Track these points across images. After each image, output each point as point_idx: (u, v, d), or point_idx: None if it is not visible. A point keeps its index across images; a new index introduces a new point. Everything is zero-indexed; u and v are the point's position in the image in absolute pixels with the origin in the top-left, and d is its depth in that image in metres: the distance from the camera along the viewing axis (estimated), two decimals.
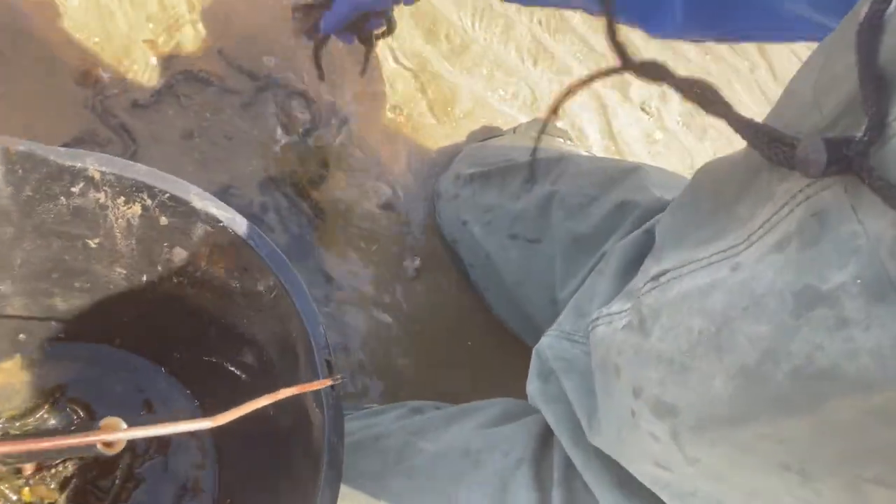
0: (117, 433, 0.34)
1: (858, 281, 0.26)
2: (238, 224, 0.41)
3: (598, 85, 0.98)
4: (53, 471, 0.51)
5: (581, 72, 0.97)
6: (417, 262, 0.76)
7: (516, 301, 0.69)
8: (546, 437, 0.52)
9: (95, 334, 0.55)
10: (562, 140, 0.81)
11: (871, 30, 0.27)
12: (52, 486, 0.50)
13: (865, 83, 0.26)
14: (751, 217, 0.34)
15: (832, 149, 0.26)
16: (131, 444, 0.52)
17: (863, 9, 0.28)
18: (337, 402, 0.39)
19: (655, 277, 0.41)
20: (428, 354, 0.74)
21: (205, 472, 0.55)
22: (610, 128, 0.97)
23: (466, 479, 0.49)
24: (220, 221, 0.41)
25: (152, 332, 0.55)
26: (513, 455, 0.50)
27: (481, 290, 0.74)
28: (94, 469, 0.52)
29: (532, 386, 0.52)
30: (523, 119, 0.89)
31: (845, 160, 0.26)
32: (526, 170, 0.70)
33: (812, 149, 0.27)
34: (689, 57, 1.09)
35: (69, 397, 0.54)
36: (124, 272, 0.48)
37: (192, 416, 0.57)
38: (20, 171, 0.38)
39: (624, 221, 0.61)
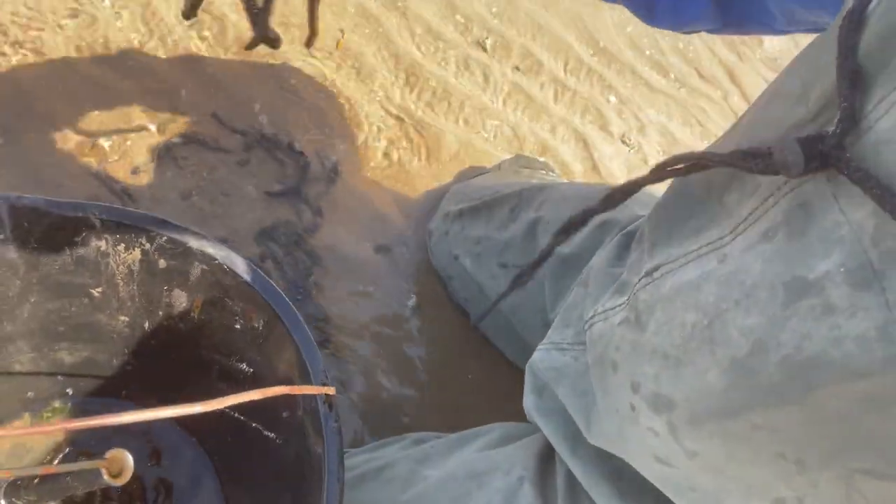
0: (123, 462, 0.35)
1: (842, 269, 0.27)
2: (233, 261, 0.44)
3: (577, 121, 1.02)
4: None
5: (558, 110, 1.01)
6: (414, 300, 0.77)
7: (513, 329, 0.71)
8: (547, 455, 0.52)
9: (102, 387, 0.57)
10: (544, 172, 0.84)
11: (853, 24, 0.28)
12: None
13: (842, 77, 0.27)
14: (738, 207, 0.35)
15: (807, 147, 0.27)
16: (140, 495, 0.53)
17: (848, 3, 0.29)
18: (337, 426, 0.40)
19: (649, 273, 0.42)
20: (429, 391, 0.74)
21: None
22: (593, 160, 1.00)
23: (471, 499, 0.49)
24: (216, 259, 0.43)
25: (157, 381, 0.56)
26: (514, 473, 0.50)
27: (478, 323, 0.75)
28: None
29: (528, 401, 0.53)
30: (507, 157, 0.92)
31: (823, 156, 0.27)
32: (512, 200, 0.72)
33: (788, 152, 0.28)
34: (665, 91, 1.14)
35: (80, 450, 0.54)
36: (127, 320, 0.50)
37: (201, 465, 0.58)
38: (26, 223, 0.41)
39: (604, 239, 0.63)
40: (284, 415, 0.44)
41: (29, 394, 0.55)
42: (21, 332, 0.48)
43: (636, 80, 1.12)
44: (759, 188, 0.33)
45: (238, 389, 0.51)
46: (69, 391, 0.56)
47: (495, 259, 0.70)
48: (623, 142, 1.05)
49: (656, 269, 0.41)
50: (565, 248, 0.65)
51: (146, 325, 0.50)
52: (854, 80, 0.27)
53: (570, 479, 0.49)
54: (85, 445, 0.55)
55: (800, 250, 0.29)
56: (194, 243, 0.43)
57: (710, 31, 0.54)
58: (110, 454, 0.36)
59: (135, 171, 0.72)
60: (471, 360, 0.77)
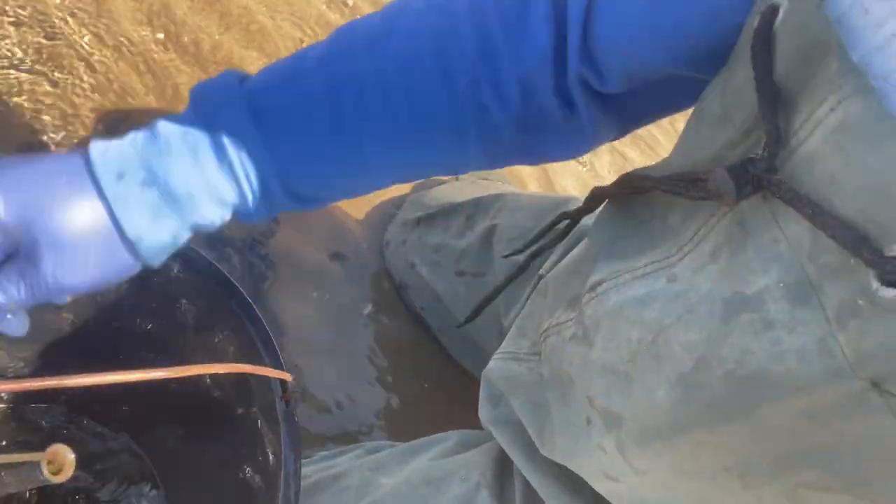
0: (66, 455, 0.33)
1: (781, 284, 0.27)
2: (186, 253, 0.42)
3: None
4: None
5: None
6: (369, 308, 0.77)
7: (469, 337, 0.71)
8: (504, 461, 0.52)
9: (39, 394, 0.54)
10: (501, 183, 0.85)
11: (763, 43, 0.28)
12: None
13: (763, 98, 0.27)
14: (682, 227, 0.35)
15: (737, 175, 0.27)
16: None
17: (754, 22, 0.29)
18: (290, 417, 0.39)
19: (593, 287, 0.42)
20: (380, 398, 0.73)
21: None
22: (548, 177, 1.02)
23: None
24: None
25: (107, 401, 0.53)
26: (472, 479, 0.50)
27: (434, 331, 0.75)
28: None
29: (483, 411, 0.53)
30: None
31: (755, 179, 0.27)
32: (468, 208, 0.73)
33: (720, 181, 0.28)
34: None
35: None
36: (71, 317, 0.48)
37: (147, 480, 0.55)
38: None
39: (557, 246, 0.63)
40: (239, 411, 0.42)
41: None
42: None
43: None
44: (701, 207, 0.33)
45: (198, 395, 0.49)
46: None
47: (452, 267, 0.70)
48: (577, 161, 1.08)
49: (599, 283, 0.41)
50: (519, 257, 0.65)
51: (91, 322, 0.48)
52: (775, 102, 0.27)
53: (528, 486, 0.49)
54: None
55: (739, 266, 0.30)
56: None
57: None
58: (51, 449, 0.34)
59: None
60: (426, 367, 0.76)
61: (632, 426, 0.37)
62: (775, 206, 0.28)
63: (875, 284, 0.23)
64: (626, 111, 0.42)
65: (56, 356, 0.51)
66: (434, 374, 0.76)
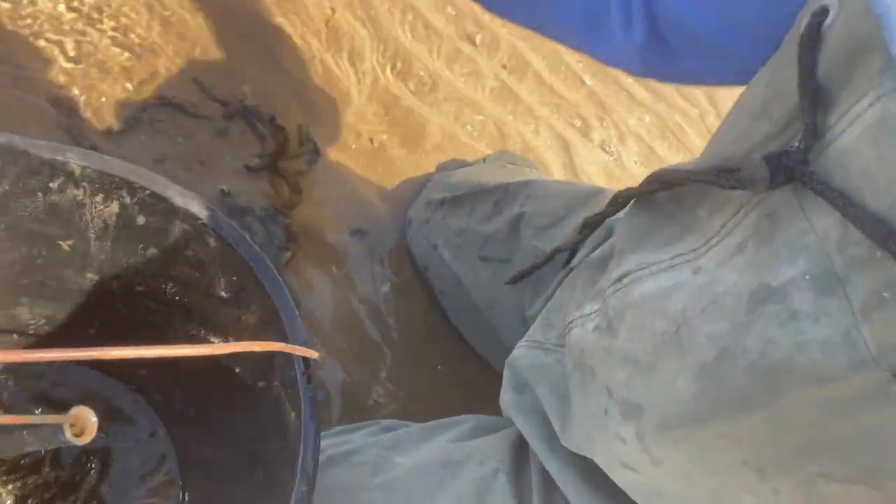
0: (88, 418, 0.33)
1: (807, 276, 0.27)
2: (216, 220, 0.42)
3: (560, 126, 1.03)
4: (6, 488, 0.48)
5: (543, 113, 1.02)
6: (388, 287, 0.76)
7: (487, 324, 0.70)
8: (522, 447, 0.52)
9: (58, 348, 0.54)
10: (529, 169, 0.84)
11: (810, 42, 0.28)
12: None
13: (804, 94, 0.28)
14: (710, 220, 0.35)
15: (772, 164, 0.28)
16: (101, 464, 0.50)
17: (803, 22, 0.30)
18: (312, 393, 0.39)
19: (619, 279, 0.42)
20: (396, 379, 0.73)
21: (170, 495, 0.53)
22: (573, 164, 1.01)
23: (444, 488, 0.48)
24: (200, 219, 0.41)
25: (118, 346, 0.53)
26: (489, 464, 0.49)
27: (452, 315, 0.74)
28: (54, 488, 0.50)
29: (506, 396, 0.52)
30: (489, 152, 0.91)
31: (788, 170, 0.28)
32: (497, 193, 0.72)
33: (754, 169, 0.29)
34: (646, 104, 1.15)
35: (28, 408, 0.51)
36: (96, 278, 0.47)
37: (155, 438, 0.55)
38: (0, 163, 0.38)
39: (587, 238, 0.63)
40: (260, 385, 0.42)
41: None
42: None
43: (619, 91, 1.13)
44: (730, 201, 0.33)
45: (212, 361, 0.49)
46: (21, 349, 0.53)
47: (476, 251, 0.70)
48: (603, 149, 1.06)
49: (625, 275, 0.41)
50: (547, 246, 0.65)
51: (114, 284, 0.48)
52: (815, 98, 0.28)
53: (545, 474, 0.48)
54: (34, 410, 0.52)
55: (765, 258, 0.30)
56: (178, 200, 0.41)
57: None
58: (74, 411, 0.33)
59: (107, 130, 0.69)
60: (440, 351, 0.76)
61: (652, 416, 0.37)
62: (805, 198, 0.28)
63: None
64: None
65: (76, 316, 0.51)
66: (448, 359, 0.76)
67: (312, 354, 0.35)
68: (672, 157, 1.13)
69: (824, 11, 0.28)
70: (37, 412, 0.51)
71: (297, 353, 0.35)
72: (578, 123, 1.05)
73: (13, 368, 0.52)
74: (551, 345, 0.52)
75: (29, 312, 0.50)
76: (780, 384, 0.29)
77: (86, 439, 0.33)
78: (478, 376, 0.75)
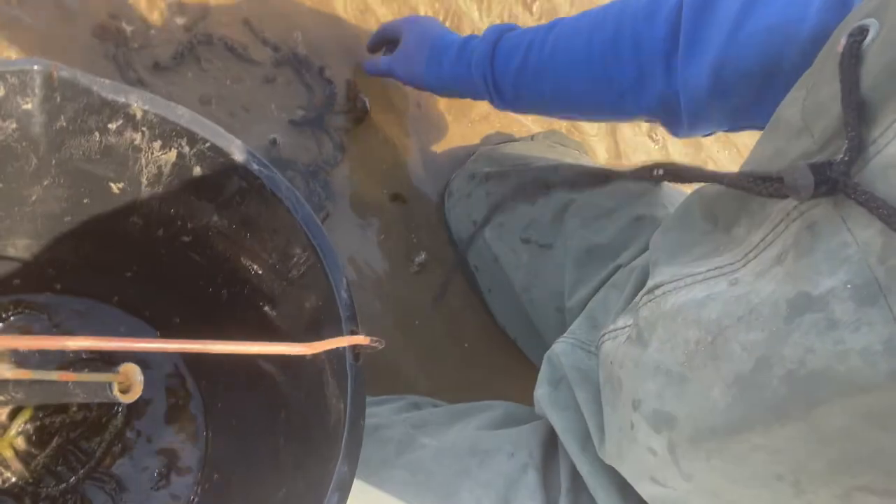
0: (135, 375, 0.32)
1: (848, 286, 0.28)
2: (276, 182, 0.40)
3: None
4: (34, 424, 0.48)
5: None
6: (423, 256, 0.75)
7: (520, 307, 0.69)
8: (553, 443, 0.51)
9: (93, 288, 0.53)
10: (577, 153, 0.81)
11: (852, 60, 0.29)
12: (33, 441, 0.48)
13: (848, 109, 0.29)
14: (748, 236, 0.36)
15: (818, 173, 0.29)
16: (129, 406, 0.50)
17: (840, 41, 0.30)
18: (359, 373, 0.38)
19: (650, 290, 0.42)
20: (422, 350, 0.72)
21: (194, 446, 0.53)
22: (618, 149, 0.98)
23: (470, 477, 0.47)
24: (259, 179, 0.40)
25: (155, 293, 0.52)
26: (518, 458, 0.49)
27: (485, 293, 0.73)
28: (80, 428, 0.49)
29: (541, 391, 0.51)
30: (536, 129, 0.89)
31: (831, 181, 0.29)
32: (545, 174, 0.70)
33: (799, 176, 0.29)
34: None
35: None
36: (141, 223, 0.46)
37: (184, 386, 0.55)
38: (59, 98, 0.36)
39: (639, 236, 0.61)
40: (308, 357, 0.41)
41: (15, 281, 0.51)
42: (24, 213, 0.44)
43: None
44: (770, 216, 0.34)
45: (247, 313, 0.48)
46: (58, 286, 0.52)
47: (518, 232, 0.68)
48: (650, 137, 1.03)
49: (658, 286, 0.41)
50: (594, 237, 0.63)
51: (160, 232, 0.46)
52: (860, 112, 0.28)
53: (575, 474, 0.48)
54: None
55: (805, 268, 0.30)
56: (239, 157, 0.39)
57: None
58: (123, 368, 0.32)
59: (155, 65, 0.67)
60: (470, 328, 0.75)
61: (684, 427, 0.37)
62: (846, 210, 0.29)
63: None
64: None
65: (116, 257, 0.50)
66: (477, 337, 0.75)
67: (374, 345, 0.34)
68: (718, 153, 1.10)
69: (863, 31, 0.30)
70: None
71: (361, 343, 0.33)
72: None
73: (52, 306, 0.52)
74: (595, 349, 0.50)
75: (70, 250, 0.48)
76: (818, 393, 0.29)
77: (132, 397, 0.32)
78: (505, 357, 0.74)
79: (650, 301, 0.42)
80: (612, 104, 0.55)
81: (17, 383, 0.35)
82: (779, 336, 0.30)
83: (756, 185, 0.32)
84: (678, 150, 1.05)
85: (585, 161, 0.78)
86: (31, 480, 0.46)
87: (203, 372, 0.53)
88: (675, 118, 0.53)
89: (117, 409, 0.51)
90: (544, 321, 0.66)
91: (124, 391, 0.32)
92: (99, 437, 0.50)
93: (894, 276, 0.26)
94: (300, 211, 0.40)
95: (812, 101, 0.33)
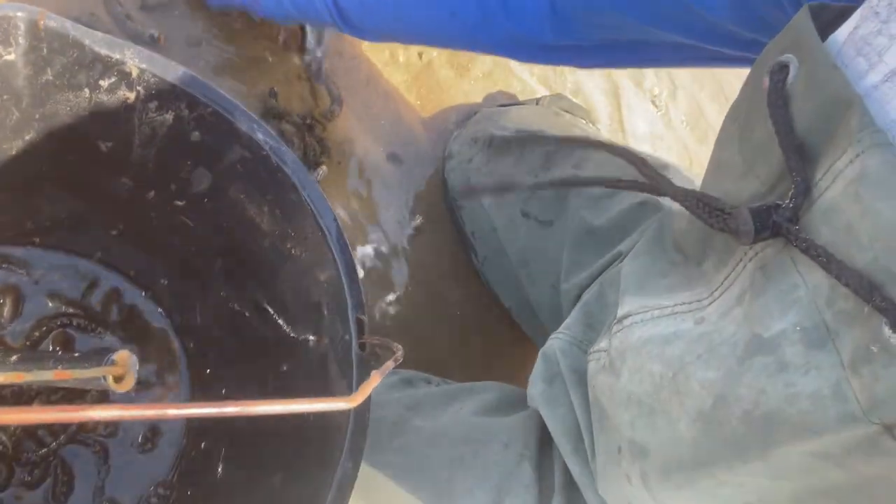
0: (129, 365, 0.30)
1: (798, 328, 0.28)
2: (283, 155, 0.37)
3: (615, 70, 0.96)
4: (12, 388, 0.46)
5: None
6: (419, 220, 0.72)
7: (515, 279, 0.67)
8: (547, 437, 0.50)
9: (75, 245, 0.50)
10: (584, 122, 0.79)
11: (779, 101, 0.29)
12: (11, 405, 0.46)
13: (788, 153, 0.28)
14: (716, 273, 0.36)
15: (759, 218, 0.29)
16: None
17: (764, 80, 0.30)
18: (365, 364, 0.36)
19: (620, 320, 0.43)
20: (413, 315, 0.71)
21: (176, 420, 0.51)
22: (620, 114, 0.96)
23: (464, 466, 0.47)
24: (263, 149, 0.37)
25: (141, 254, 0.50)
26: (513, 449, 0.48)
27: (480, 260, 0.71)
28: (59, 392, 0.47)
29: (535, 388, 0.50)
30: (541, 90, 0.85)
31: (774, 226, 0.28)
32: (549, 144, 0.67)
33: (741, 221, 0.29)
34: None
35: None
36: (130, 184, 0.43)
37: (167, 348, 0.53)
38: (45, 50, 0.33)
39: (641, 221, 0.59)
40: (305, 337, 0.39)
41: None
42: (2, 167, 0.40)
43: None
44: (733, 255, 0.34)
45: (240, 283, 0.46)
46: (36, 240, 0.49)
47: (519, 205, 0.66)
48: (653, 102, 1.00)
49: (627, 316, 0.42)
50: (595, 220, 0.61)
51: (151, 194, 0.43)
52: (801, 155, 0.28)
53: (567, 470, 0.47)
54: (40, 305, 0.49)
55: (759, 310, 0.30)
56: (244, 124, 0.36)
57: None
58: (118, 356, 0.30)
59: (142, 2, 0.62)
60: (462, 295, 0.73)
61: (655, 458, 0.38)
62: (795, 253, 0.29)
63: (887, 332, 0.24)
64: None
65: (102, 216, 0.47)
66: (469, 305, 0.73)
67: (397, 360, 0.32)
68: (720, 116, 1.08)
69: (783, 68, 0.29)
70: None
71: (383, 343, 0.31)
72: (634, 71, 0.98)
73: (31, 261, 0.49)
74: (593, 352, 0.49)
75: (50, 205, 0.45)
76: (773, 434, 0.29)
77: (126, 387, 0.30)
78: (498, 326, 0.74)
79: (619, 331, 0.42)
80: (465, 40, 0.55)
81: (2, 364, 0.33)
82: (732, 376, 0.31)
83: (710, 214, 0.32)
84: (679, 118, 1.03)
85: (592, 132, 0.75)
86: (9, 445, 0.45)
87: (192, 335, 0.51)
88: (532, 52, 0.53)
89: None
90: (539, 297, 0.65)
91: (118, 380, 0.30)
92: (81, 399, 0.48)
93: (841, 321, 0.26)
94: (307, 186, 0.37)
95: (749, 142, 0.32)
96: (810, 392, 0.27)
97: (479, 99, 0.80)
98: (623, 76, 0.97)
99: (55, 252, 0.50)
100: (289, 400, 0.19)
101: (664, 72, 1.03)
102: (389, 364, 0.28)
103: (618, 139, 0.94)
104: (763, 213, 0.29)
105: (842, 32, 0.28)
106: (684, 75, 1.05)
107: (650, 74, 1.00)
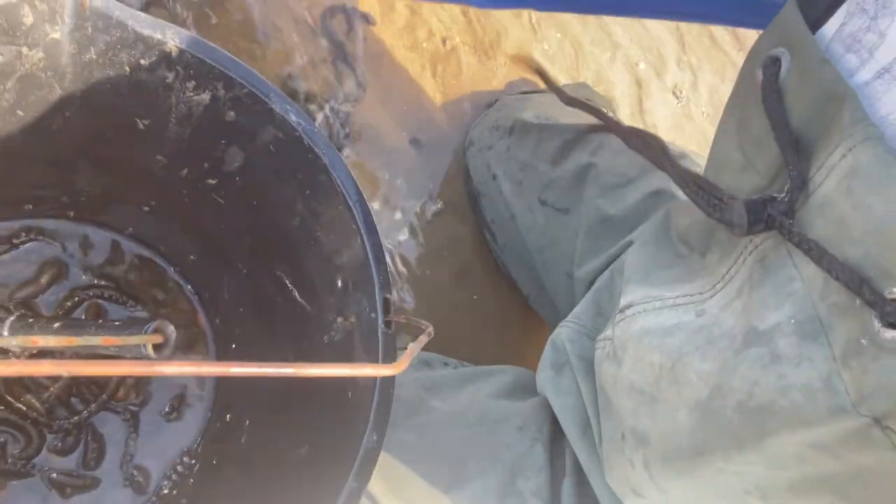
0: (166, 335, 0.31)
1: (793, 321, 0.28)
2: (315, 137, 0.38)
3: (637, 57, 0.96)
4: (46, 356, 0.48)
5: (623, 39, 0.95)
6: (439, 205, 0.73)
7: (532, 266, 0.68)
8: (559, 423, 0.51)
9: (108, 220, 0.51)
10: (605, 110, 0.79)
11: (773, 95, 0.29)
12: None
13: (784, 147, 0.28)
14: (718, 266, 0.36)
15: (753, 210, 0.29)
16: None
17: (757, 74, 0.30)
18: (391, 341, 0.37)
19: (622, 310, 0.43)
20: (431, 299, 0.72)
21: (204, 382, 0.53)
22: (641, 104, 0.96)
23: (479, 446, 0.48)
24: (296, 131, 0.38)
25: (172, 230, 0.51)
26: (527, 432, 0.49)
27: (499, 247, 0.72)
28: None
29: (543, 375, 0.51)
30: (563, 80, 0.86)
31: (769, 219, 0.28)
32: (567, 133, 0.67)
33: (735, 212, 0.29)
34: (726, 51, 1.08)
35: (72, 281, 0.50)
36: (164, 161, 0.44)
37: (195, 323, 0.54)
38: (90, 29, 0.34)
39: (655, 211, 0.60)
40: (332, 318, 0.40)
41: (27, 206, 0.49)
42: (42, 140, 0.42)
43: (702, 31, 1.05)
44: (735, 248, 0.34)
45: (267, 259, 0.47)
46: (71, 213, 0.51)
47: (537, 192, 0.66)
48: (674, 94, 1.00)
49: (629, 306, 0.42)
50: (610, 209, 0.61)
51: (184, 171, 0.45)
52: (797, 148, 0.28)
53: (577, 458, 0.48)
54: (75, 278, 0.50)
55: (756, 302, 0.30)
56: (278, 106, 0.37)
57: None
58: (158, 325, 0.32)
59: None
60: (480, 280, 0.74)
61: (656, 446, 0.38)
62: (792, 245, 0.29)
63: (877, 325, 0.24)
64: None
65: (135, 192, 0.48)
66: (487, 290, 0.74)
67: (428, 336, 0.33)
68: None
69: (776, 62, 0.29)
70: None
71: (420, 342, 0.32)
72: (656, 60, 0.98)
73: (64, 234, 0.50)
74: (601, 340, 0.50)
75: (85, 180, 0.47)
76: (766, 425, 0.29)
77: (165, 353, 0.32)
78: (515, 312, 0.75)
79: (622, 321, 0.43)
80: None
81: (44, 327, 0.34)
82: (728, 368, 0.31)
83: (708, 202, 0.32)
84: (699, 110, 1.03)
85: (611, 120, 0.75)
86: (42, 413, 0.46)
87: (218, 311, 0.53)
88: None
89: None
90: (555, 284, 0.65)
91: (157, 348, 0.32)
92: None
93: (834, 314, 0.26)
94: (338, 168, 0.38)
95: (747, 136, 0.32)
96: (802, 384, 0.27)
97: (501, 86, 0.81)
98: (643, 65, 0.97)
99: (89, 225, 0.51)
100: (337, 364, 0.21)
101: (686, 63, 1.02)
102: (423, 338, 0.29)
103: None
104: (758, 205, 0.29)
105: (829, 28, 0.28)
106: (706, 68, 1.05)
107: (672, 66, 1.00)
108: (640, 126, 0.95)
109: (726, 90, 1.07)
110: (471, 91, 0.79)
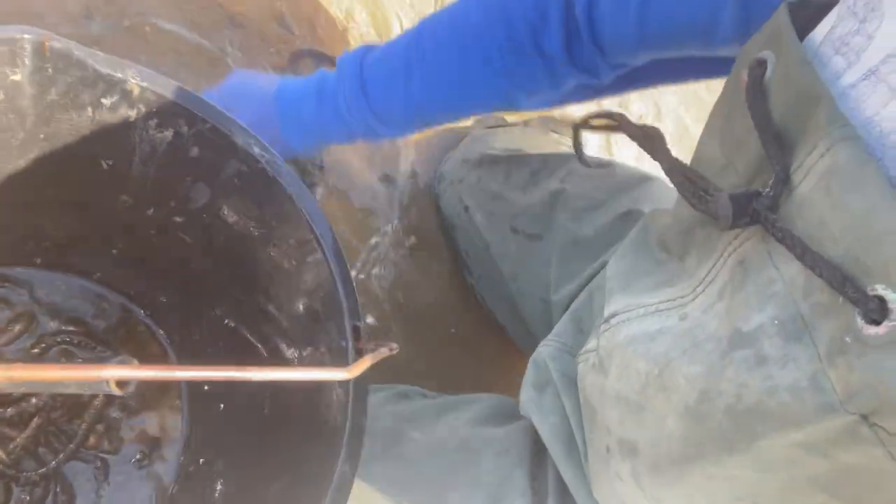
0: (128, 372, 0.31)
1: (776, 322, 0.28)
2: (278, 168, 0.38)
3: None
4: (12, 409, 0.46)
5: None
6: (412, 240, 0.74)
7: (508, 295, 0.68)
8: (541, 446, 0.51)
9: (76, 265, 0.51)
10: (570, 140, 0.81)
11: (758, 95, 0.29)
12: (12, 423, 0.46)
13: (767, 144, 0.29)
14: (698, 269, 0.36)
15: (738, 204, 0.29)
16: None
17: (742, 74, 0.30)
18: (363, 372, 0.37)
19: (607, 319, 0.43)
20: (409, 333, 0.72)
21: (177, 427, 0.52)
22: (607, 137, 0.98)
23: (459, 475, 0.47)
24: (259, 162, 0.38)
25: (141, 272, 0.51)
26: (508, 457, 0.49)
27: (475, 278, 0.72)
28: (59, 410, 0.48)
29: (526, 395, 0.51)
30: (532, 114, 0.88)
31: (754, 213, 0.29)
32: (535, 162, 0.69)
33: (721, 205, 0.29)
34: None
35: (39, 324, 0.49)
36: (130, 202, 0.44)
37: (166, 364, 0.53)
38: (50, 70, 0.34)
39: (626, 232, 0.60)
40: (305, 353, 0.40)
41: None
42: (5, 184, 0.42)
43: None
44: (716, 249, 0.34)
45: (242, 306, 0.47)
46: (38, 260, 0.50)
47: (508, 221, 0.67)
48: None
49: (613, 315, 0.42)
50: (581, 231, 0.62)
51: (150, 211, 0.45)
52: (780, 144, 0.29)
53: (560, 478, 0.48)
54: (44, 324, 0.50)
55: (739, 304, 0.31)
56: (241, 139, 0.38)
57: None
58: (120, 360, 0.31)
59: None
60: (458, 313, 0.74)
61: (645, 455, 0.38)
62: (772, 246, 0.29)
63: (860, 322, 0.24)
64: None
65: (101, 234, 0.48)
66: (464, 323, 0.74)
67: (392, 353, 0.33)
68: None
69: (762, 64, 0.30)
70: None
71: (380, 357, 0.32)
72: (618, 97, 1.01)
73: (32, 281, 0.49)
74: (581, 354, 0.50)
75: (52, 223, 0.46)
76: (756, 427, 0.29)
77: (128, 389, 0.31)
78: (492, 344, 0.74)
79: (606, 331, 0.43)
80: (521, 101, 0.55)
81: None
82: (715, 371, 0.31)
83: (695, 195, 0.32)
84: (668, 133, 1.05)
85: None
86: (9, 464, 0.45)
87: (189, 353, 0.52)
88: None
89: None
90: (530, 311, 0.66)
91: (121, 385, 0.31)
92: (81, 416, 0.48)
93: (817, 313, 0.26)
94: (303, 198, 0.38)
95: (729, 136, 0.33)
96: (788, 384, 0.27)
97: (469, 122, 0.82)
98: (608, 101, 0.99)
99: (56, 272, 0.51)
100: (291, 367, 0.20)
101: (649, 96, 1.05)
102: (384, 350, 0.29)
103: None
104: (743, 199, 0.29)
105: (819, 31, 0.29)
106: (670, 99, 1.08)
107: (635, 98, 1.03)
108: (608, 157, 0.97)
109: (690, 120, 1.10)
110: (440, 128, 0.80)
